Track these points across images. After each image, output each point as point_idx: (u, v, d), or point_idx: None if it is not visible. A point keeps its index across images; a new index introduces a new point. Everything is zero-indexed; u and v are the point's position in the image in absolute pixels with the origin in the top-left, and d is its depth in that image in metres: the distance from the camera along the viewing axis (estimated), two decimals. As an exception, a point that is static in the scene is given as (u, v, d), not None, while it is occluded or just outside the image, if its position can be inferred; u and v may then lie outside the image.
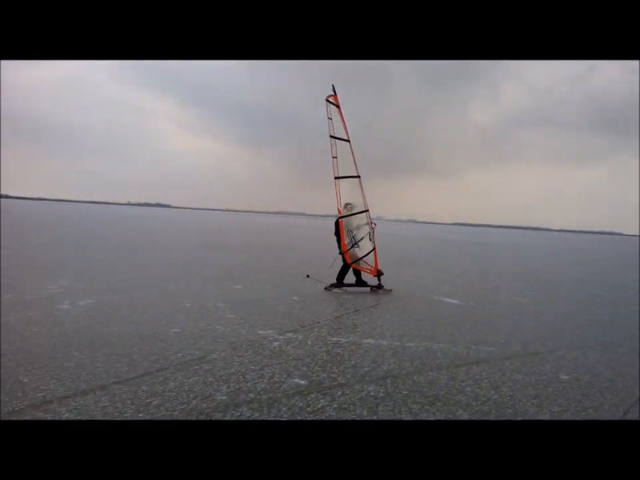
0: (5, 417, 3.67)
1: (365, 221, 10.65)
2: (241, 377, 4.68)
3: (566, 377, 5.20)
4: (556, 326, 8.05)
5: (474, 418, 3.89)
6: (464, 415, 4.02)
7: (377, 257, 10.68)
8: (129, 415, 3.76)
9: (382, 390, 4.51)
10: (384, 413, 3.99)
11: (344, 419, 3.86)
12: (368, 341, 6.31)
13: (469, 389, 4.67)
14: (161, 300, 8.37)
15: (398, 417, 3.94)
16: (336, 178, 10.23)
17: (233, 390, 4.34)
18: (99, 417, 3.72)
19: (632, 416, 4.19)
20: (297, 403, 4.12)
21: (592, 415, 4.14)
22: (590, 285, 14.80)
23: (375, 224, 10.78)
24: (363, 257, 10.63)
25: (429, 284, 12.51)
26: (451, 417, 3.90)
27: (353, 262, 10.64)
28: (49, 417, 3.70)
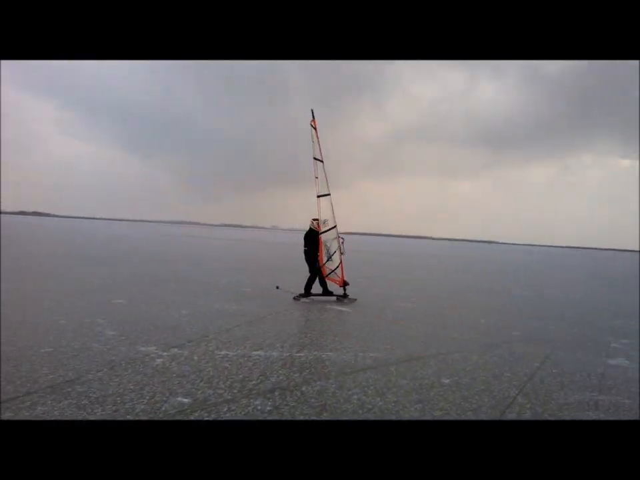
0: (5, 417, 3.66)
1: (335, 235, 11.32)
2: (118, 399, 4.37)
3: (447, 381, 5.44)
4: (438, 330, 8.45)
5: (474, 418, 3.83)
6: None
7: (343, 269, 11.29)
8: (128, 416, 3.68)
9: (269, 403, 4.42)
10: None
11: (344, 419, 3.76)
12: (257, 352, 6.20)
13: (355, 397, 4.72)
14: (30, 317, 7.67)
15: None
16: (318, 196, 11.12)
17: (108, 412, 4.03)
18: (99, 417, 3.63)
19: (509, 416, 4.47)
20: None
21: (471, 418, 4.35)
22: (472, 292, 15.77)
23: (343, 239, 11.44)
24: (335, 269, 11.28)
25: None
26: (450, 417, 3.81)
27: (328, 274, 11.29)
28: (48, 417, 3.68)
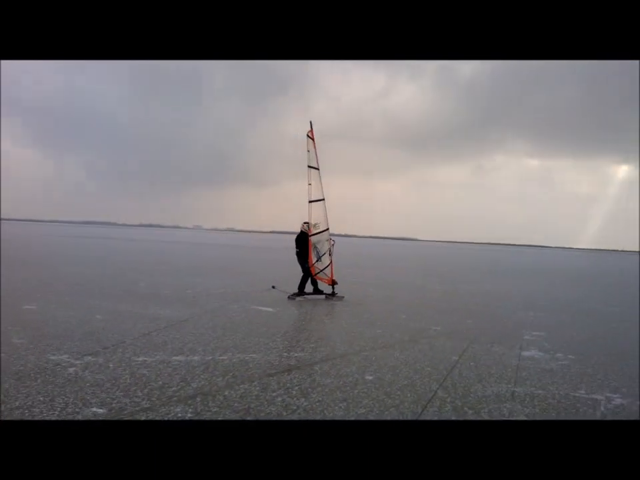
0: (5, 417, 3.64)
1: (326, 237, 12.31)
2: (26, 411, 4.03)
3: (370, 377, 5.49)
4: (363, 328, 8.55)
5: (472, 418, 3.74)
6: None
7: (333, 269, 12.30)
8: (128, 415, 3.69)
9: (190, 410, 4.25)
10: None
11: (344, 418, 3.63)
12: (178, 358, 5.97)
13: (279, 398, 4.65)
14: None
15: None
16: (310, 202, 11.92)
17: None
18: (99, 418, 3.66)
19: (430, 410, 4.56)
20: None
21: (394, 414, 4.40)
22: (393, 288, 16.12)
23: (334, 241, 12.50)
24: (324, 269, 12.19)
25: (246, 291, 12.45)
26: (449, 417, 3.71)
27: (317, 273, 12.10)
28: (48, 417, 3.66)
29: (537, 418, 3.57)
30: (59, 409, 4.15)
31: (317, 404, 4.54)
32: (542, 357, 6.91)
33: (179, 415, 4.12)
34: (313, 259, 12.01)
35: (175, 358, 5.96)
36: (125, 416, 4.06)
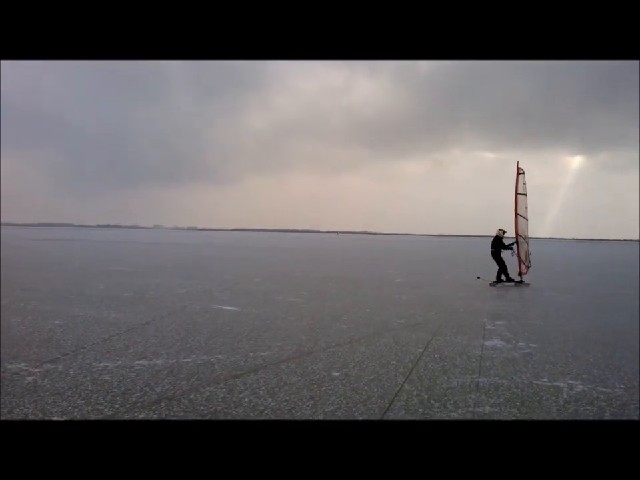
0: (5, 417, 3.66)
1: (526, 243, 16.71)
2: (-20, 427, 3.87)
3: (337, 374, 5.49)
4: (327, 324, 8.55)
5: (472, 418, 3.69)
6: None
7: (521, 264, 16.18)
8: (128, 415, 3.69)
9: (155, 415, 4.15)
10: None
11: (344, 419, 3.63)
12: (140, 362, 5.83)
13: (246, 399, 4.59)
14: None
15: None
16: (518, 215, 15.96)
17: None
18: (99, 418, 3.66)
19: (397, 405, 4.59)
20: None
21: (362, 410, 4.41)
22: (357, 283, 16.20)
23: (530, 250, 16.93)
24: (523, 261, 16.28)
25: (209, 290, 12.28)
26: (448, 417, 3.65)
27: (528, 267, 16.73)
28: (48, 417, 3.67)
29: (536, 418, 3.59)
30: (18, 420, 3.99)
31: (285, 403, 4.51)
32: (504, 347, 7.07)
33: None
34: (522, 254, 16.11)
35: (137, 362, 5.82)
36: (121, 416, 3.95)
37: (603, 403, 4.70)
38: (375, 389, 4.98)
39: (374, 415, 4.29)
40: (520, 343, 7.29)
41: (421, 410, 4.42)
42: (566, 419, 3.78)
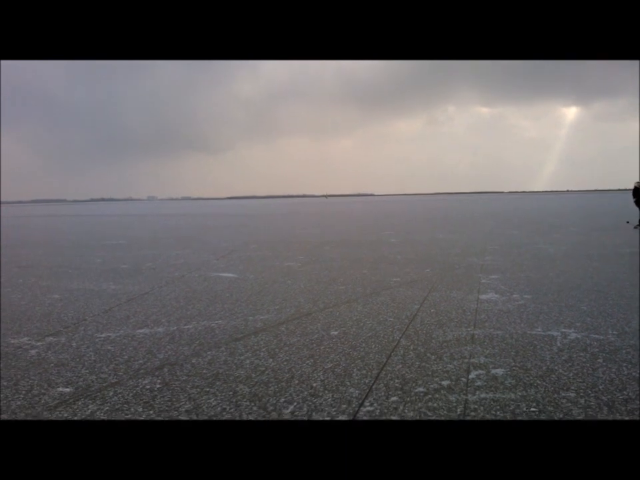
0: (5, 417, 3.64)
1: None
2: (-12, 399, 3.97)
3: (335, 332, 5.60)
4: (325, 286, 8.65)
5: (472, 418, 3.78)
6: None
7: None
8: (128, 415, 3.59)
9: (159, 381, 4.26)
10: (161, 404, 3.79)
11: (343, 419, 3.65)
12: (142, 331, 5.93)
13: (247, 361, 4.71)
14: None
15: (229, 407, 3.77)
16: None
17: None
18: (99, 418, 3.63)
19: (394, 359, 4.70)
20: (61, 414, 3.66)
21: (360, 366, 4.52)
22: (352, 245, 16.29)
23: None
24: None
25: (205, 261, 12.35)
26: (448, 417, 3.74)
27: None
28: (48, 417, 3.65)
29: (535, 418, 3.65)
30: (23, 391, 4.09)
31: (285, 363, 4.62)
32: (499, 299, 7.19)
33: (147, 386, 4.14)
34: None
35: (139, 331, 5.92)
36: (92, 393, 4.05)
37: (596, 349, 4.84)
38: (373, 345, 5.09)
39: (372, 368, 4.41)
40: (514, 295, 7.42)
41: (417, 363, 4.54)
42: (566, 419, 3.86)
